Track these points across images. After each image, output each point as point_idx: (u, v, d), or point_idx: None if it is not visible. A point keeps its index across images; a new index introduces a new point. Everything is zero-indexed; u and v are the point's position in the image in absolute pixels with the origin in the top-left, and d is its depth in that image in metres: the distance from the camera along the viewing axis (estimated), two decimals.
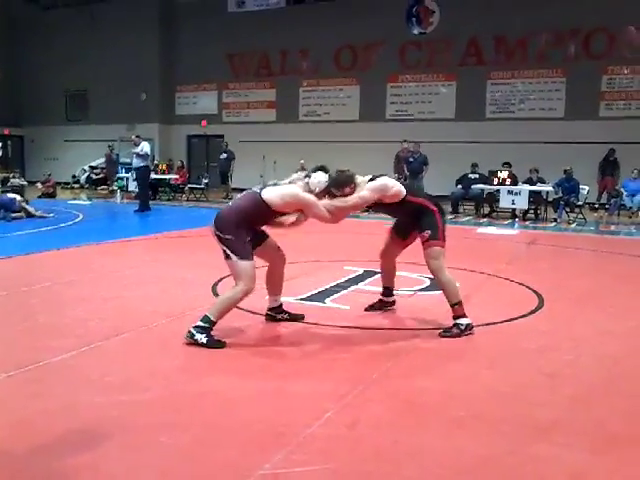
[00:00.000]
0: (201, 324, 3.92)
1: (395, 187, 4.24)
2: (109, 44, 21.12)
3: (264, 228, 4.31)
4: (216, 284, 5.71)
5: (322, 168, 4.21)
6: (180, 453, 2.54)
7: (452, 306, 4.30)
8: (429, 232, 4.27)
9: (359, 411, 2.97)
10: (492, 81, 17.31)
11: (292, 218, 4.24)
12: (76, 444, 2.61)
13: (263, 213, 4.01)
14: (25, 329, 4.24)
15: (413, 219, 4.38)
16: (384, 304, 4.92)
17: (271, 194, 3.96)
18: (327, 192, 4.16)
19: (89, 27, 21.47)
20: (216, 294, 5.32)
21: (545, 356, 3.87)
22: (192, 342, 3.88)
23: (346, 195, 4.16)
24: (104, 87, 21.71)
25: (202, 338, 3.88)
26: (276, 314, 4.55)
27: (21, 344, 3.91)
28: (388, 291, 4.92)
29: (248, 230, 4.01)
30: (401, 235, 4.61)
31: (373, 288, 5.69)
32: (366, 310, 4.88)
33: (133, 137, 13.56)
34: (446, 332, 4.25)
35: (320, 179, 4.13)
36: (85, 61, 21.78)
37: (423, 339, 4.18)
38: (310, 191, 4.07)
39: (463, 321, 4.26)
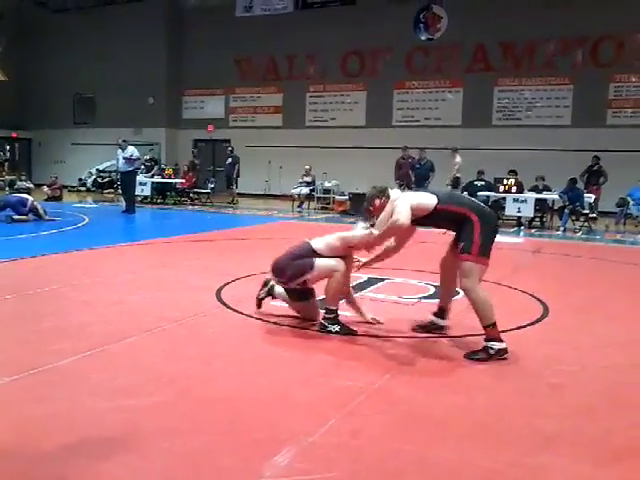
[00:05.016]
0: (328, 316, 4.38)
1: (414, 203, 4.03)
2: (117, 48, 21.25)
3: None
4: (220, 289, 5.71)
5: None
6: (183, 459, 2.53)
7: (484, 327, 3.95)
8: (462, 244, 3.94)
9: (362, 420, 2.96)
10: (499, 88, 17.33)
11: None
12: (79, 448, 2.61)
13: (313, 257, 4.44)
14: (30, 333, 4.24)
15: (456, 229, 4.09)
16: (433, 326, 4.49)
17: (319, 244, 4.49)
18: (367, 213, 4.37)
19: (97, 31, 21.62)
20: (220, 299, 5.32)
21: (550, 366, 3.85)
22: (326, 332, 4.35)
23: (377, 208, 4.22)
24: (111, 91, 21.82)
25: (334, 327, 4.35)
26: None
27: (26, 348, 3.91)
28: (441, 312, 4.48)
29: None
30: (455, 245, 4.20)
31: (377, 295, 5.69)
32: (413, 330, 4.47)
33: (119, 141, 13.68)
34: (473, 355, 3.92)
35: (361, 225, 4.57)
36: (93, 65, 21.91)
37: (426, 347, 4.17)
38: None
39: (495, 345, 3.89)
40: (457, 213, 4.02)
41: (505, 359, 3.90)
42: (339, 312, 4.47)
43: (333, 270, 4.34)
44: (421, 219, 4.11)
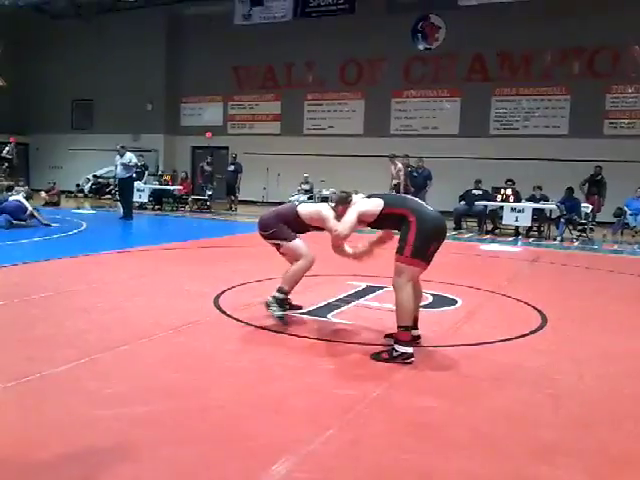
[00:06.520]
0: (277, 295, 4.67)
1: (361, 211, 4.19)
2: (116, 54, 21.29)
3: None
4: (218, 296, 5.70)
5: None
6: (180, 468, 2.51)
7: (398, 327, 4.00)
8: (398, 245, 4.01)
9: (361, 429, 2.95)
10: (496, 97, 17.38)
11: (358, 250, 4.67)
12: (75, 457, 2.59)
13: (296, 222, 4.74)
14: (24, 340, 4.22)
15: (399, 230, 4.12)
16: None
17: (304, 209, 4.77)
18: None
19: (96, 37, 21.64)
20: (218, 307, 5.31)
21: (547, 376, 3.84)
22: (269, 310, 4.67)
23: (339, 213, 4.43)
24: (110, 97, 21.84)
25: (278, 311, 4.65)
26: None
27: (19, 355, 3.88)
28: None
29: (288, 227, 4.72)
30: None
31: (375, 304, 5.68)
32: (385, 337, 4.39)
33: (118, 147, 13.69)
34: (377, 355, 4.01)
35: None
36: (91, 71, 21.93)
37: (424, 356, 4.15)
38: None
39: (400, 348, 3.94)
40: (397, 214, 4.09)
41: (410, 363, 3.91)
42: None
43: (301, 256, 4.68)
44: (372, 223, 4.30)
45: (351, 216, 4.19)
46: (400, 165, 14.69)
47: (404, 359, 3.93)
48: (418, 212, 4.05)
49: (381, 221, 4.25)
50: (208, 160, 18.11)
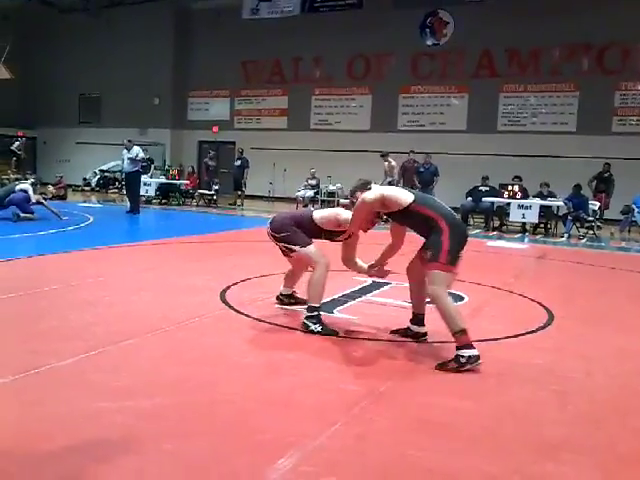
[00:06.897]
0: (309, 314, 4.51)
1: (388, 193, 4.11)
2: (123, 49, 21.32)
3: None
4: (224, 291, 5.70)
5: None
6: (185, 462, 2.51)
7: (453, 335, 3.83)
8: (429, 253, 3.89)
9: (367, 424, 2.95)
10: (504, 94, 17.31)
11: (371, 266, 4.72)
12: (80, 450, 2.59)
13: (310, 226, 4.68)
14: (31, 332, 4.23)
15: (425, 234, 4.06)
16: (410, 333, 4.41)
17: (318, 213, 4.78)
18: (350, 204, 4.52)
19: (104, 32, 21.67)
20: (225, 301, 5.31)
21: (555, 373, 3.82)
22: (309, 332, 4.44)
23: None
24: (117, 91, 21.89)
25: (317, 327, 4.44)
26: (286, 299, 5.22)
27: (26, 347, 3.89)
28: (417, 319, 4.37)
29: (301, 230, 4.65)
30: (422, 251, 4.15)
31: (381, 299, 5.68)
32: (391, 333, 4.47)
33: (125, 141, 13.73)
34: (444, 365, 3.79)
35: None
36: (99, 65, 21.98)
37: (429, 353, 4.14)
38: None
39: (466, 352, 3.75)
40: (429, 217, 3.98)
41: (477, 365, 3.76)
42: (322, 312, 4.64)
43: (316, 263, 4.54)
44: (395, 214, 4.17)
45: (376, 190, 4.12)
46: (394, 163, 14.84)
47: (472, 363, 3.74)
48: (447, 217, 3.98)
49: (405, 216, 4.10)
50: (211, 154, 18.11)
